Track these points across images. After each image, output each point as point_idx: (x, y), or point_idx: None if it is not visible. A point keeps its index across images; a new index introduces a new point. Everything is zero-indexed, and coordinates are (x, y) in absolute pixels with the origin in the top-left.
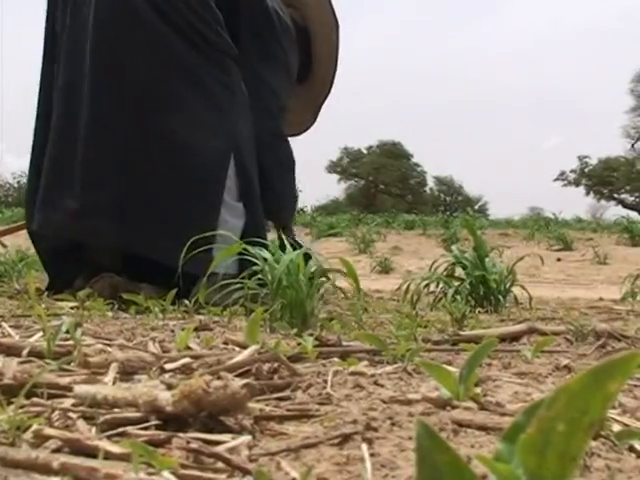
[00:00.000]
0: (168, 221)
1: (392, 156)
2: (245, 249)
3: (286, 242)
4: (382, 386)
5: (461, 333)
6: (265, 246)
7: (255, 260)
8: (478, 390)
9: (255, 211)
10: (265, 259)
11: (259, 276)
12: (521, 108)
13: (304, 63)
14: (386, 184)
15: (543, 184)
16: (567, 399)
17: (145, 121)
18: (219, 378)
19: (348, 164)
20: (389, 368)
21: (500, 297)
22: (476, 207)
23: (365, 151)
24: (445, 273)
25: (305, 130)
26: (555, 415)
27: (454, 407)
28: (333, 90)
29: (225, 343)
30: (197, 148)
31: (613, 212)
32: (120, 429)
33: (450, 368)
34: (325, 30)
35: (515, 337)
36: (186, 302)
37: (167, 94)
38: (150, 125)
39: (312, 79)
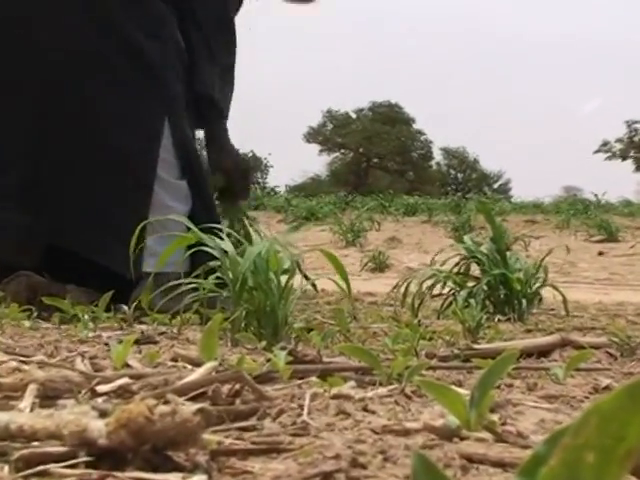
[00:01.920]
0: (87, 206)
1: (388, 121)
2: (199, 240)
3: (251, 231)
4: (373, 412)
5: (475, 347)
6: (221, 235)
7: (212, 253)
8: (494, 417)
9: (203, 190)
10: (225, 252)
11: (218, 274)
12: (552, 62)
13: None
14: (381, 157)
15: (581, 157)
16: (598, 423)
17: (57, 86)
18: (166, 403)
19: (332, 132)
20: (382, 390)
21: (525, 301)
22: (495, 186)
23: (354, 115)
24: (456, 271)
25: None
26: (583, 443)
27: (463, 438)
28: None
29: (174, 359)
30: (119, 113)
31: None
32: (40, 467)
33: (460, 390)
34: None
35: (544, 351)
36: (124, 308)
37: (83, 52)
38: (64, 90)
39: None
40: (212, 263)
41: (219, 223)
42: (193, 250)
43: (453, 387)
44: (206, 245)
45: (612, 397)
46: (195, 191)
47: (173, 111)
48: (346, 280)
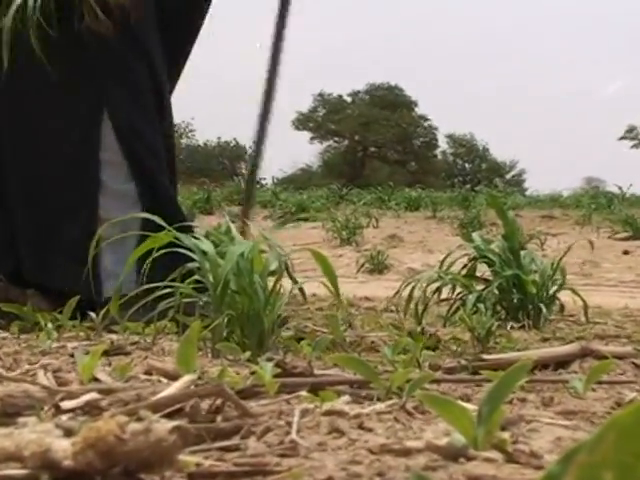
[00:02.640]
0: (38, 225)
1: (388, 106)
2: (177, 238)
3: (232, 227)
4: (370, 430)
5: (485, 357)
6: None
7: (190, 254)
8: (505, 435)
9: (157, 193)
10: (204, 252)
11: (196, 277)
12: (571, 40)
13: None
14: (379, 146)
15: (603, 145)
16: (617, 439)
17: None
18: (138, 420)
19: (324, 117)
20: (380, 406)
21: (542, 306)
22: (508, 178)
23: (349, 99)
24: (464, 273)
25: None
26: (601, 461)
27: (470, 458)
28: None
29: (148, 372)
30: (53, 120)
31: None
32: None
33: (467, 405)
34: None
35: (562, 362)
36: (92, 315)
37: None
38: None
39: None
40: (190, 265)
41: (183, 221)
42: (162, 253)
43: (459, 402)
44: (182, 246)
45: (632, 411)
46: (145, 193)
47: (113, 103)
48: (335, 285)
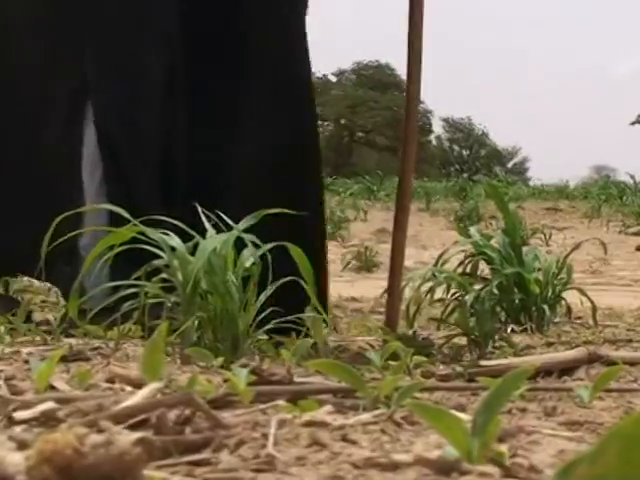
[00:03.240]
0: (29, 216)
1: (376, 86)
2: (142, 233)
3: (204, 219)
4: (354, 443)
5: (483, 363)
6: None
7: (156, 251)
8: (503, 448)
9: (132, 197)
10: (173, 248)
11: (163, 275)
12: (579, 12)
13: None
14: (367, 131)
15: (614, 130)
16: (620, 449)
17: None
18: (99, 432)
19: None
20: (366, 416)
21: (546, 307)
22: (509, 166)
23: (334, 78)
24: (460, 271)
25: None
26: (604, 472)
27: (464, 473)
28: None
29: (110, 380)
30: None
31: None
32: None
33: (462, 415)
34: None
35: (567, 369)
36: (48, 318)
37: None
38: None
39: None
40: (157, 262)
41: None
42: (125, 250)
43: (453, 412)
44: (148, 242)
45: (636, 419)
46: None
47: (98, 87)
48: (310, 284)
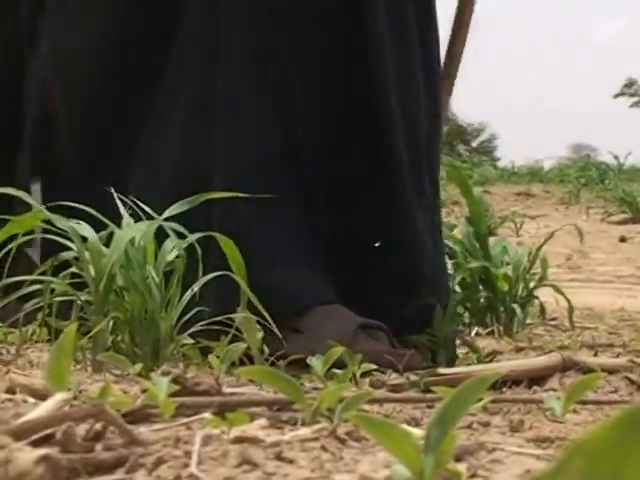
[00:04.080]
0: None
1: None
2: (48, 222)
3: (119, 204)
4: (291, 462)
5: (441, 371)
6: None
7: (64, 241)
8: (461, 467)
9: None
10: (84, 238)
11: (73, 270)
12: None
13: None
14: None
15: (594, 104)
16: (585, 465)
17: None
18: None
19: None
20: (305, 431)
21: (516, 307)
22: (474, 144)
23: None
24: None
25: None
26: None
27: None
28: None
29: (10, 390)
30: None
31: None
32: None
33: (414, 430)
34: None
35: (538, 377)
36: None
37: None
38: None
39: None
40: (65, 254)
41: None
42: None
43: (404, 426)
44: (54, 231)
45: (603, 431)
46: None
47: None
48: (242, 276)
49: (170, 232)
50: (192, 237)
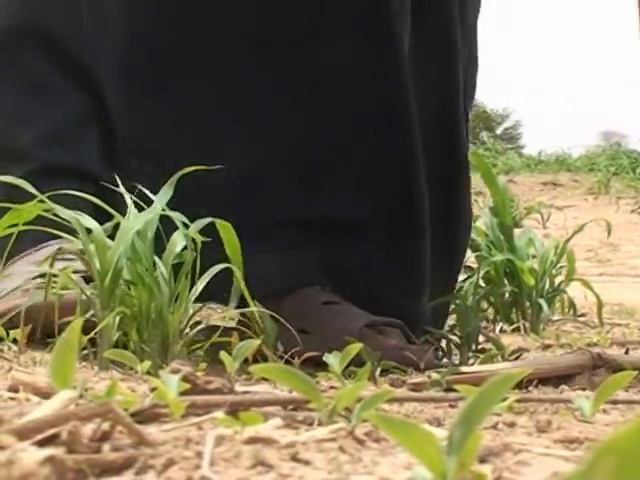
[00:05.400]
0: None
1: None
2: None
3: (126, 195)
4: (307, 463)
5: (464, 369)
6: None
7: (64, 235)
8: (485, 469)
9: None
10: (89, 230)
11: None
12: None
13: None
14: None
15: (626, 90)
16: (616, 464)
17: None
18: (0, 449)
19: None
20: (321, 431)
21: (542, 303)
22: (498, 132)
23: None
24: None
25: None
26: None
27: None
28: None
29: (13, 389)
30: None
31: None
32: None
33: (437, 430)
34: None
35: (566, 376)
36: None
37: None
38: None
39: None
40: (69, 246)
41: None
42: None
43: (426, 426)
44: (57, 222)
45: (634, 430)
46: None
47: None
48: (237, 264)
49: (178, 223)
50: (195, 226)
